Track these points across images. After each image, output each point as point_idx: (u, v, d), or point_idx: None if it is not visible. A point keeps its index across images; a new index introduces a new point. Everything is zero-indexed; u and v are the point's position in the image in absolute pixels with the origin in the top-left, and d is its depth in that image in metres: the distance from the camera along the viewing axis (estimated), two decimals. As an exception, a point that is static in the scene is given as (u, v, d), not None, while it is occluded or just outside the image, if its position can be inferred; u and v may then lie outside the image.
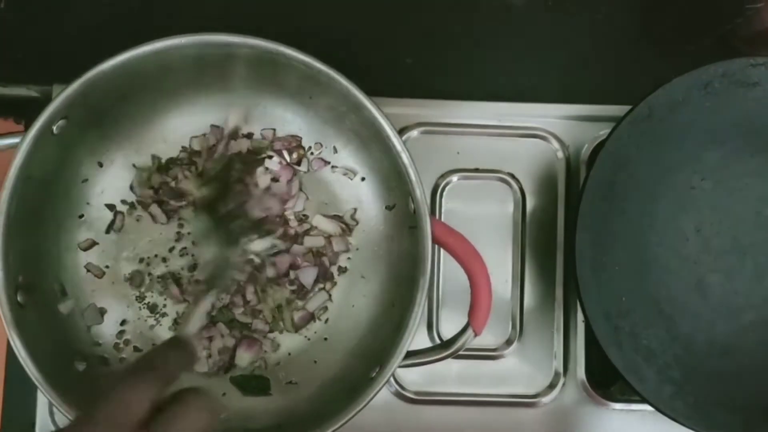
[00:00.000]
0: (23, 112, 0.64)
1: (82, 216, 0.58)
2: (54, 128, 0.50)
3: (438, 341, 0.62)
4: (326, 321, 0.59)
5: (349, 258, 0.60)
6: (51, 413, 0.59)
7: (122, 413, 0.35)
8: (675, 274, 0.60)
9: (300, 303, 0.59)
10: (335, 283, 0.59)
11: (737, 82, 0.57)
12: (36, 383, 0.48)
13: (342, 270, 0.60)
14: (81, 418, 0.36)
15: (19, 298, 0.49)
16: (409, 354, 0.51)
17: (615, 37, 0.67)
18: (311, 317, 0.59)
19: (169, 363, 0.39)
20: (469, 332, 0.51)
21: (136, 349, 0.57)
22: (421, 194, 0.51)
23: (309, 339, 0.59)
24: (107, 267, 0.58)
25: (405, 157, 0.51)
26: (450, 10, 0.67)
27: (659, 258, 0.60)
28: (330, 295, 0.59)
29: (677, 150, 0.59)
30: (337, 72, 0.51)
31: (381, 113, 0.51)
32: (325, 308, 0.59)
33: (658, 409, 0.56)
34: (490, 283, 0.51)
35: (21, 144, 0.49)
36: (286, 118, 0.60)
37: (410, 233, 0.53)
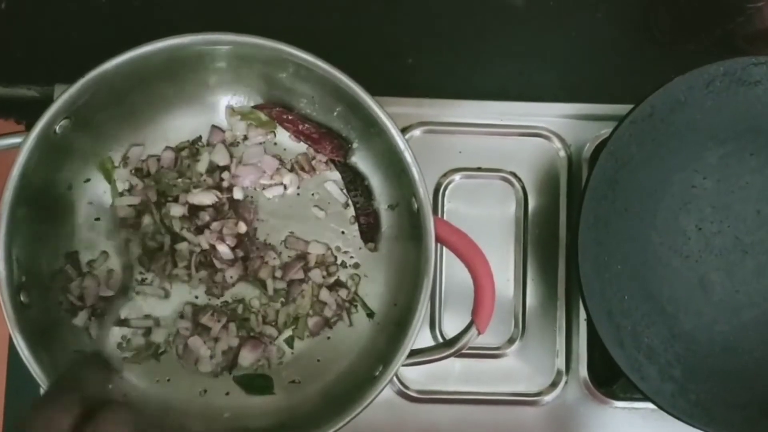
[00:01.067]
0: (24, 113, 0.64)
1: (83, 216, 0.58)
2: (56, 128, 0.50)
3: (441, 340, 0.62)
4: (330, 320, 0.59)
5: (352, 258, 0.60)
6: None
7: None
8: (676, 272, 0.60)
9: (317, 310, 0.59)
10: (347, 288, 0.59)
11: (739, 81, 0.58)
12: (39, 383, 0.48)
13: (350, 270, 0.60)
14: None
15: (22, 298, 0.49)
16: (413, 353, 0.51)
17: (616, 36, 0.68)
18: (325, 323, 0.59)
19: (87, 381, 0.40)
20: (473, 331, 0.51)
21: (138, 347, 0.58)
22: (425, 193, 0.51)
23: (312, 338, 0.59)
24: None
25: (408, 156, 0.51)
26: (451, 10, 0.67)
27: (661, 257, 0.60)
28: (343, 300, 0.59)
29: (679, 149, 0.59)
30: (340, 71, 0.51)
31: (384, 112, 0.51)
32: (339, 314, 0.59)
33: (660, 407, 0.56)
34: (494, 282, 0.51)
35: (23, 144, 0.49)
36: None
37: (413, 232, 0.53)
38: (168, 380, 0.57)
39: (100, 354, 0.47)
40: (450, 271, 0.62)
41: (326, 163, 0.59)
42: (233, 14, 0.65)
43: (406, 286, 0.55)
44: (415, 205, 0.52)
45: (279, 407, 0.56)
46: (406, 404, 0.62)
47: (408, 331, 0.50)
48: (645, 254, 0.60)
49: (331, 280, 0.59)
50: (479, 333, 0.51)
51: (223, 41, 0.51)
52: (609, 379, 0.62)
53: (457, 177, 0.63)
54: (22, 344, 0.48)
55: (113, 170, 0.58)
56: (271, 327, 0.58)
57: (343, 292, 0.58)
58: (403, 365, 0.50)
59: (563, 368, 0.62)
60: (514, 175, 0.64)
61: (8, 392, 0.61)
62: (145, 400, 0.55)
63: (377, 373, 0.50)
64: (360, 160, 0.60)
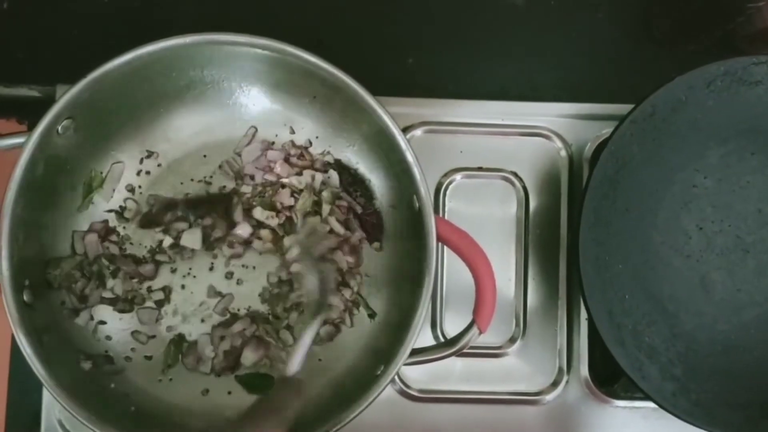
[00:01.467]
0: (26, 113, 0.64)
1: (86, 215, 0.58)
2: (59, 128, 0.50)
3: (442, 339, 0.62)
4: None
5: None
6: (55, 411, 0.59)
7: None
8: (677, 272, 0.60)
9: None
10: (351, 288, 0.59)
11: (740, 81, 0.58)
12: (42, 382, 0.48)
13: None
14: None
15: (25, 297, 0.49)
16: (414, 352, 0.51)
17: (617, 36, 0.68)
18: (336, 328, 0.59)
19: (287, 404, 0.41)
20: (474, 330, 0.51)
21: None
22: (426, 192, 0.51)
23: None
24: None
25: (410, 156, 0.51)
26: (451, 10, 0.67)
27: (662, 256, 0.60)
28: (347, 300, 0.59)
29: (679, 148, 0.60)
30: (341, 70, 0.51)
31: (386, 112, 0.51)
32: (342, 317, 0.59)
33: (661, 406, 0.56)
34: (495, 281, 0.51)
35: (26, 143, 0.49)
36: (292, 119, 0.60)
37: (415, 232, 0.53)
38: (170, 380, 0.57)
39: (292, 377, 0.47)
40: (451, 271, 0.62)
41: (324, 165, 0.59)
42: (233, 14, 0.65)
43: (407, 286, 0.55)
44: (417, 205, 0.52)
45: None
46: (407, 403, 0.62)
47: (410, 331, 0.50)
48: (646, 254, 0.60)
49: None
50: (480, 332, 0.51)
51: (225, 41, 0.51)
52: (610, 379, 0.62)
53: (458, 177, 0.63)
54: (25, 343, 0.48)
55: (98, 189, 0.58)
56: (288, 334, 0.58)
57: (347, 292, 0.58)
58: (405, 364, 0.50)
59: (564, 367, 0.62)
60: (515, 174, 0.64)
61: (10, 390, 0.61)
62: (147, 399, 0.55)
63: (379, 373, 0.50)
64: (361, 160, 0.60)
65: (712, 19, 0.64)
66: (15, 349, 0.60)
